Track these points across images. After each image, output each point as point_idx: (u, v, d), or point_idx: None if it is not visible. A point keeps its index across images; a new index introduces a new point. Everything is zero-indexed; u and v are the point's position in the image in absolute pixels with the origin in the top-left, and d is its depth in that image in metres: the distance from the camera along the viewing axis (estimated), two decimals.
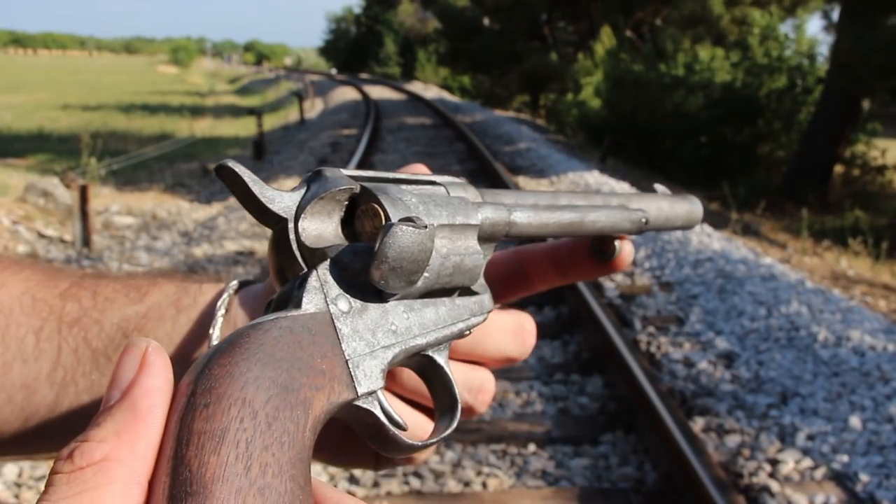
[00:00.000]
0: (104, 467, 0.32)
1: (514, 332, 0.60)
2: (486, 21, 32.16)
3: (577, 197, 0.60)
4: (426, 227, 0.42)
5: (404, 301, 0.46)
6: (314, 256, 0.43)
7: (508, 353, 0.60)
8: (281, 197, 0.43)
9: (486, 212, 0.52)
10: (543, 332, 4.94)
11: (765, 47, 17.91)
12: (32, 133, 20.08)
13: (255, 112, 14.74)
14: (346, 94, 29.44)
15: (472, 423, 3.76)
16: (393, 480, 3.26)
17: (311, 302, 0.41)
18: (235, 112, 27.27)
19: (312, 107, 24.82)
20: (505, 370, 4.35)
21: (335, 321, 0.41)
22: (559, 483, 3.33)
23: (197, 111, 28.71)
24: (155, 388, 0.35)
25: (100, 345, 0.59)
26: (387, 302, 0.44)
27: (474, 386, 0.59)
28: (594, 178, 10.45)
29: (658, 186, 0.71)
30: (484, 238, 0.52)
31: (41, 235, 7.59)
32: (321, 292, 0.41)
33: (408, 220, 0.42)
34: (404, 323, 0.45)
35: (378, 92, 29.87)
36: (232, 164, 0.41)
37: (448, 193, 0.51)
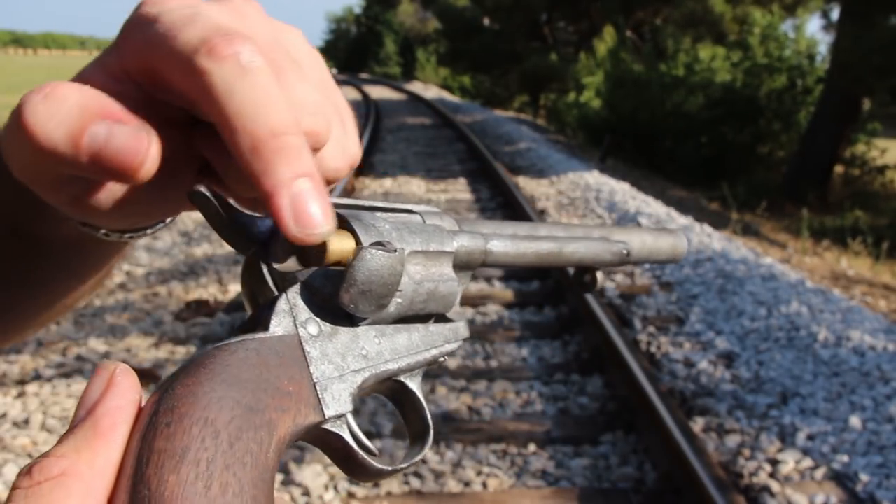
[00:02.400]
0: (62, 482, 0.32)
1: None
2: (486, 21, 32.17)
3: (559, 228, 0.60)
4: (395, 250, 0.43)
5: (376, 326, 0.46)
6: (285, 280, 0.43)
7: None
8: (253, 222, 0.43)
9: (461, 240, 0.52)
10: (543, 332, 4.94)
11: (765, 47, 17.92)
12: None
13: None
14: (346, 93, 29.37)
15: (472, 423, 3.76)
16: (393, 480, 3.26)
17: (279, 325, 0.41)
18: None
19: None
20: (505, 370, 4.36)
21: (304, 344, 0.41)
22: (559, 483, 3.33)
23: None
24: (118, 407, 0.35)
25: None
26: (358, 326, 0.44)
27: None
28: (594, 178, 10.45)
29: (642, 220, 0.72)
30: (460, 266, 0.52)
31: None
32: (290, 315, 0.41)
33: (378, 244, 0.43)
34: (375, 348, 0.45)
35: (378, 92, 29.88)
36: (204, 189, 0.42)
37: (424, 221, 0.52)
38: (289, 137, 0.39)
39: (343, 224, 0.45)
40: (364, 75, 51.21)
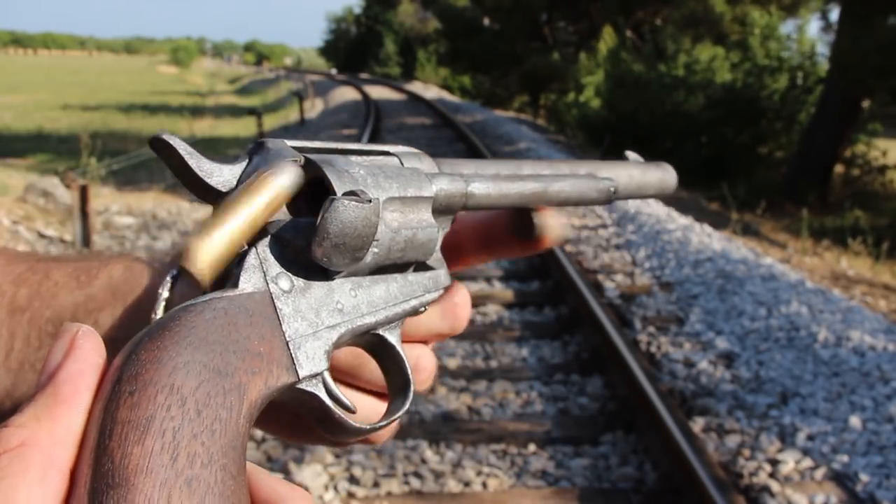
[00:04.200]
0: (21, 453, 0.31)
1: (441, 309, 0.57)
2: (486, 21, 32.16)
3: (543, 166, 0.58)
4: (370, 200, 0.40)
5: (352, 278, 0.44)
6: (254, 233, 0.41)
7: (438, 329, 0.58)
8: (220, 170, 0.41)
9: (441, 183, 0.49)
10: (543, 332, 4.94)
11: (766, 48, 17.92)
12: (32, 133, 20.07)
13: (255, 112, 14.73)
14: (346, 94, 29.43)
15: (472, 422, 3.76)
16: (393, 480, 3.26)
17: (248, 281, 0.39)
18: (235, 112, 27.26)
19: (312, 107, 24.82)
20: (505, 370, 4.35)
21: (275, 301, 0.39)
22: (559, 483, 3.33)
23: (197, 111, 28.69)
24: (79, 372, 0.33)
25: (50, 328, 0.59)
26: (332, 279, 0.42)
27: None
28: None
29: (630, 154, 0.69)
30: (439, 210, 0.50)
31: (41, 235, 7.59)
32: (260, 270, 0.39)
33: (351, 193, 0.40)
34: (351, 301, 0.43)
35: (378, 92, 29.86)
36: (167, 136, 0.40)
37: (402, 164, 0.49)
38: None
39: (314, 170, 0.43)
40: (364, 75, 51.18)
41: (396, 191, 0.46)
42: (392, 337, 0.47)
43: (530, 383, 4.25)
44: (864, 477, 3.31)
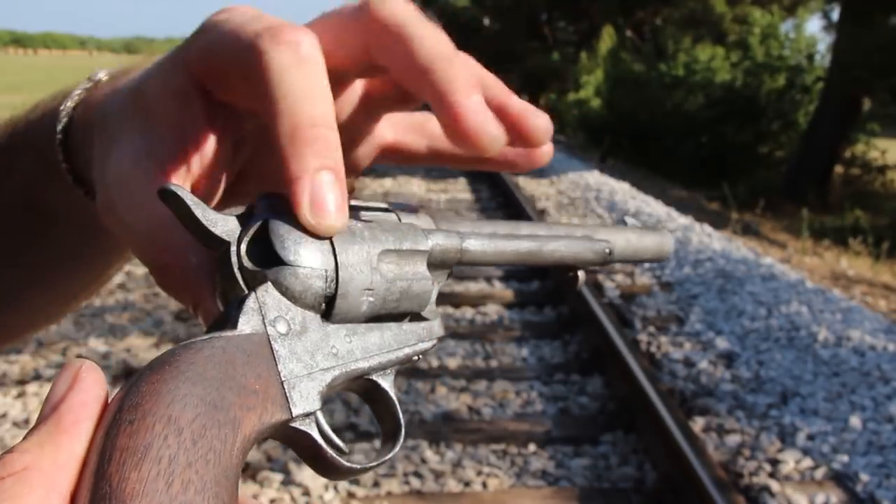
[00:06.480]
0: (24, 477, 0.33)
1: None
2: (486, 21, 32.18)
3: (540, 227, 0.61)
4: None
5: (347, 325, 0.46)
6: (255, 279, 0.43)
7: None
8: (225, 221, 0.44)
9: (436, 238, 0.52)
10: (543, 332, 4.94)
11: (765, 46, 17.93)
12: None
13: None
14: None
15: (472, 422, 3.76)
16: (393, 480, 3.26)
17: (247, 323, 0.41)
18: None
19: None
20: (505, 370, 4.35)
21: (272, 342, 0.41)
22: (559, 483, 3.33)
23: None
24: (81, 403, 0.35)
25: None
26: (328, 325, 0.45)
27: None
28: (594, 178, 10.46)
29: (628, 219, 0.72)
30: (434, 265, 0.52)
31: None
32: (259, 314, 0.42)
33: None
34: (346, 346, 0.45)
35: None
36: (174, 187, 0.43)
37: (399, 220, 0.52)
38: (325, 130, 0.41)
39: None
40: None
41: (392, 243, 0.48)
42: (385, 382, 0.49)
43: (530, 383, 4.25)
44: (864, 477, 3.31)
